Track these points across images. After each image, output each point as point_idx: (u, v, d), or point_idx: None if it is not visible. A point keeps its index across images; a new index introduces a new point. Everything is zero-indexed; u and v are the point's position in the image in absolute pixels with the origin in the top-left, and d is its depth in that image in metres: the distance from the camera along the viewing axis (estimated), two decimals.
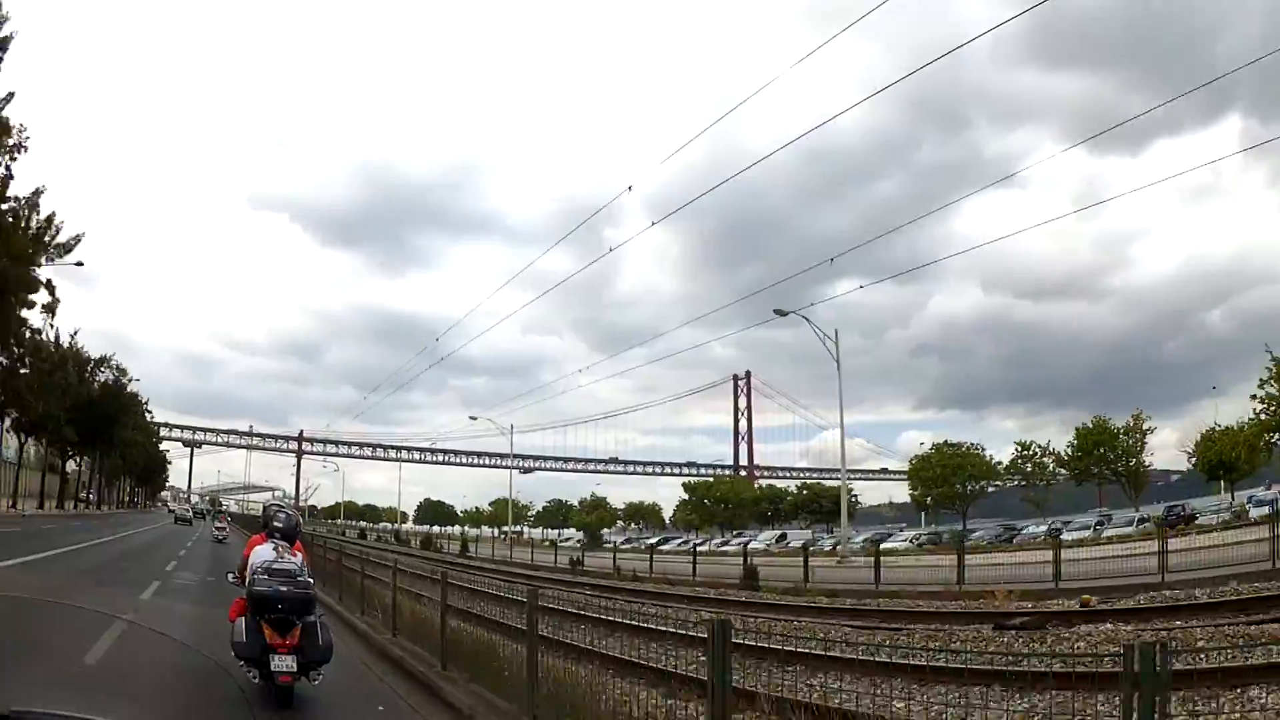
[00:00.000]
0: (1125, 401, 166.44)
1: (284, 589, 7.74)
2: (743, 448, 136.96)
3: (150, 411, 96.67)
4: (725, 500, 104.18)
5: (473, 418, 64.93)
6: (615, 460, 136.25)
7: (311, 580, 8.28)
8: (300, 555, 8.34)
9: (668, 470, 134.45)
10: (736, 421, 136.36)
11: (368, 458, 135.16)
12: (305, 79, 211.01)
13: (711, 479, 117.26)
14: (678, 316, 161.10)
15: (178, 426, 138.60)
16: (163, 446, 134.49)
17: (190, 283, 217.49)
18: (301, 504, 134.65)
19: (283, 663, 7.51)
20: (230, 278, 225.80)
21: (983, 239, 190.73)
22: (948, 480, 74.77)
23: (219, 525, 41.19)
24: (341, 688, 8.55)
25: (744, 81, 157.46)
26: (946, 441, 78.35)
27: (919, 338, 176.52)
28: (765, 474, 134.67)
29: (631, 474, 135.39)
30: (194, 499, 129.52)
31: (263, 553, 8.13)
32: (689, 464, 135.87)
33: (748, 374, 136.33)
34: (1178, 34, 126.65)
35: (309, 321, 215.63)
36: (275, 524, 8.44)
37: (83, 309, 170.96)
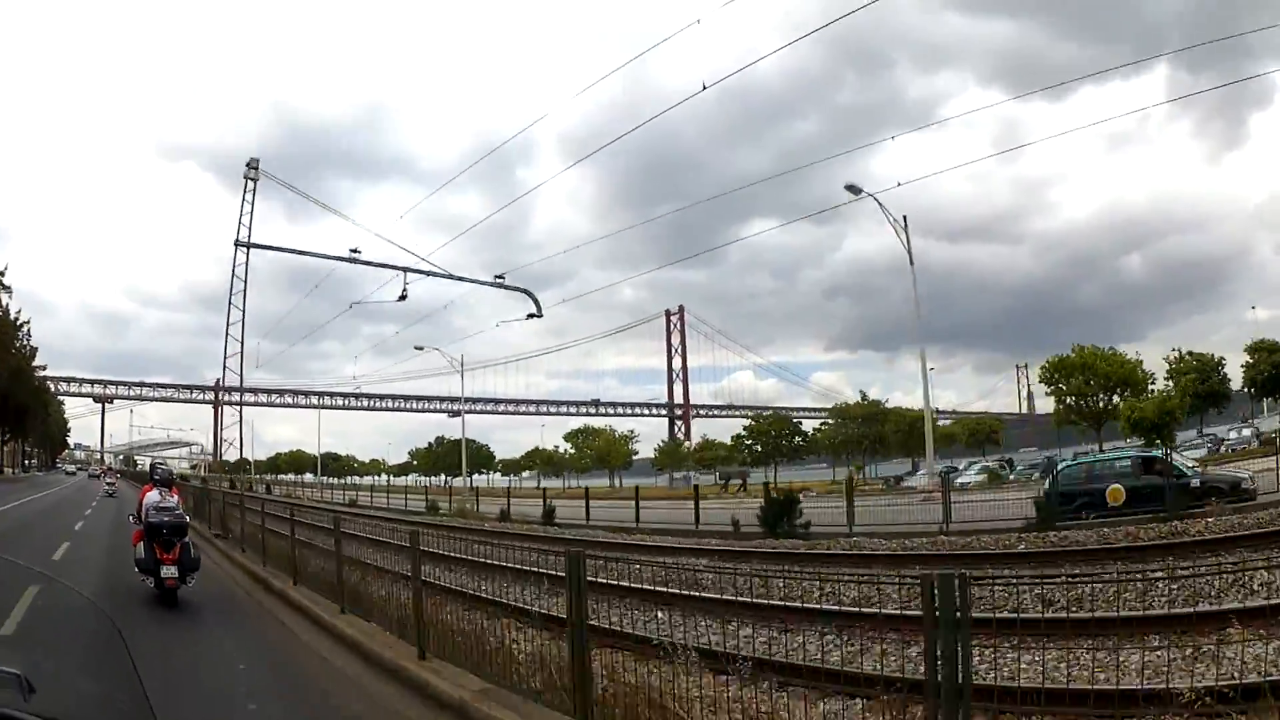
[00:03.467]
0: (1037, 344, 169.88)
1: (167, 519, 11.37)
2: (677, 387, 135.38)
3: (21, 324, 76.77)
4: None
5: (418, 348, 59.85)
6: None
7: (183, 513, 12.04)
8: (176, 496, 12.31)
9: (632, 412, 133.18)
10: (670, 359, 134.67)
11: (289, 405, 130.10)
12: (214, 19, 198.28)
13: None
14: (591, 257, 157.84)
15: (86, 380, 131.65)
16: (71, 403, 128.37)
17: (101, 235, 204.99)
18: (222, 457, 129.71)
19: (169, 570, 11.06)
20: (141, 229, 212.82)
21: (902, 179, 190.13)
22: None
23: (109, 481, 47.53)
24: None
25: (662, 17, 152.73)
26: None
27: (832, 279, 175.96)
28: (701, 413, 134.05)
29: (542, 414, 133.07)
30: (107, 458, 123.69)
31: (152, 497, 11.79)
32: (650, 403, 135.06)
33: (680, 309, 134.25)
34: None
35: (220, 271, 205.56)
36: (156, 475, 12.61)
37: None
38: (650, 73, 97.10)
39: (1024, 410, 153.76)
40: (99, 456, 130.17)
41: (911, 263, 41.79)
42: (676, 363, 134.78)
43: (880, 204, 39.87)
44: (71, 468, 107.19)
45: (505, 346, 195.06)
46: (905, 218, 41.65)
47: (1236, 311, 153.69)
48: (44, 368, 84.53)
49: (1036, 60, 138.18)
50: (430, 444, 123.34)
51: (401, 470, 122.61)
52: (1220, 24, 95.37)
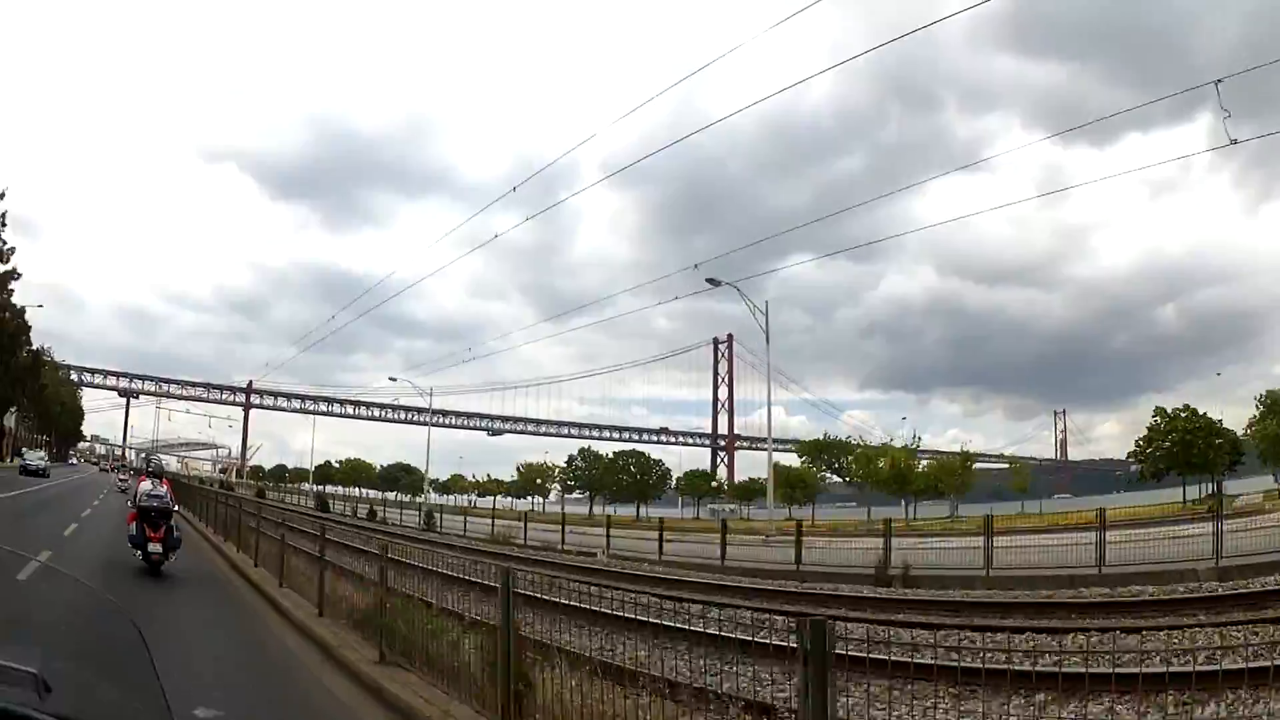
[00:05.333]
0: (1067, 392, 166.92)
1: (155, 504, 13.80)
2: (722, 416, 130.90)
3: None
4: None
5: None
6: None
7: (170, 500, 14.34)
8: (166, 486, 14.68)
9: (678, 441, 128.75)
10: (716, 388, 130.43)
11: (322, 413, 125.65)
12: (260, 27, 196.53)
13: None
14: (628, 283, 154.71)
15: (110, 373, 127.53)
16: (95, 398, 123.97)
17: (136, 235, 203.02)
18: (248, 463, 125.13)
19: (154, 547, 13.59)
20: (177, 230, 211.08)
21: (941, 221, 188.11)
22: None
23: (121, 477, 48.12)
24: None
25: (711, 45, 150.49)
26: None
27: (869, 317, 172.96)
28: (744, 445, 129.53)
29: (582, 438, 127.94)
30: (129, 455, 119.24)
31: (146, 485, 14.32)
32: (696, 433, 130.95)
33: (729, 338, 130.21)
34: (1154, 28, 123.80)
35: (255, 277, 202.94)
36: (150, 469, 15.76)
37: (24, 258, 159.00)
38: (697, 106, 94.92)
39: (1058, 456, 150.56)
40: (120, 452, 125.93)
41: None
42: (720, 392, 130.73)
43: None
44: (39, 460, 56.73)
45: (534, 367, 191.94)
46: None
47: (1267, 365, 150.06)
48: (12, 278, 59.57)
49: (1082, 104, 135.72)
50: (572, 459, 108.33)
51: (485, 489, 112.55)
52: (1267, 73, 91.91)
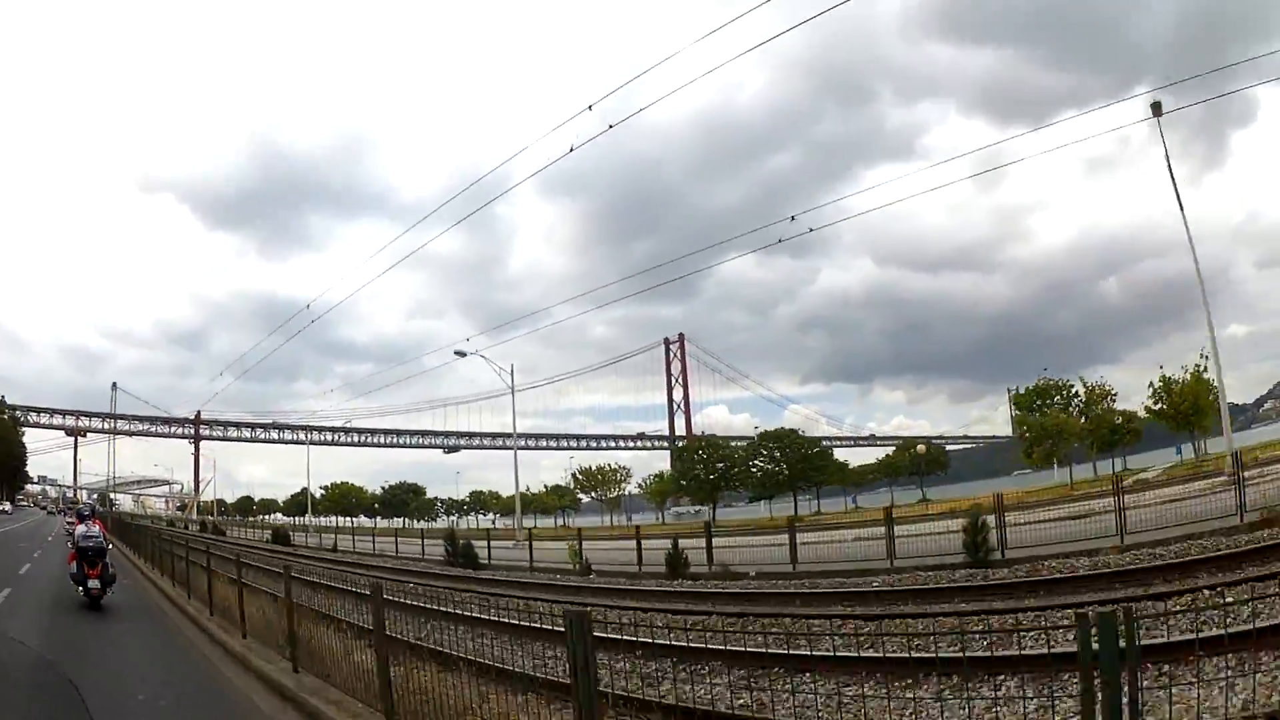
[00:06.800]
0: (1012, 371, 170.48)
1: (91, 544, 15.55)
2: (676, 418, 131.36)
3: None
4: None
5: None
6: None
7: (104, 539, 16.07)
8: (99, 526, 16.52)
9: (634, 445, 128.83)
10: (670, 389, 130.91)
11: (274, 441, 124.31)
12: (195, 51, 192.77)
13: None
14: (567, 294, 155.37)
15: (56, 411, 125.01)
16: (39, 436, 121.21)
17: (76, 271, 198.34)
18: (201, 498, 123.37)
19: (93, 583, 15.32)
20: (116, 264, 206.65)
21: (879, 212, 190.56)
22: None
23: (69, 520, 46.98)
24: None
25: (642, 51, 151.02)
26: None
27: (807, 312, 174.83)
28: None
29: (528, 448, 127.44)
30: (82, 496, 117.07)
31: (82, 528, 16.07)
32: (646, 434, 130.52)
33: (680, 338, 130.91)
34: (1088, 10, 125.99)
35: (195, 309, 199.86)
36: (84, 512, 18.97)
37: None
38: (632, 111, 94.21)
39: (1011, 434, 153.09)
40: (70, 493, 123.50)
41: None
42: (676, 393, 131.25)
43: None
44: None
45: (474, 384, 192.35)
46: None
47: (1216, 330, 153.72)
48: None
49: (1019, 88, 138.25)
50: (678, 455, 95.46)
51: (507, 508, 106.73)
52: (1206, 44, 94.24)
